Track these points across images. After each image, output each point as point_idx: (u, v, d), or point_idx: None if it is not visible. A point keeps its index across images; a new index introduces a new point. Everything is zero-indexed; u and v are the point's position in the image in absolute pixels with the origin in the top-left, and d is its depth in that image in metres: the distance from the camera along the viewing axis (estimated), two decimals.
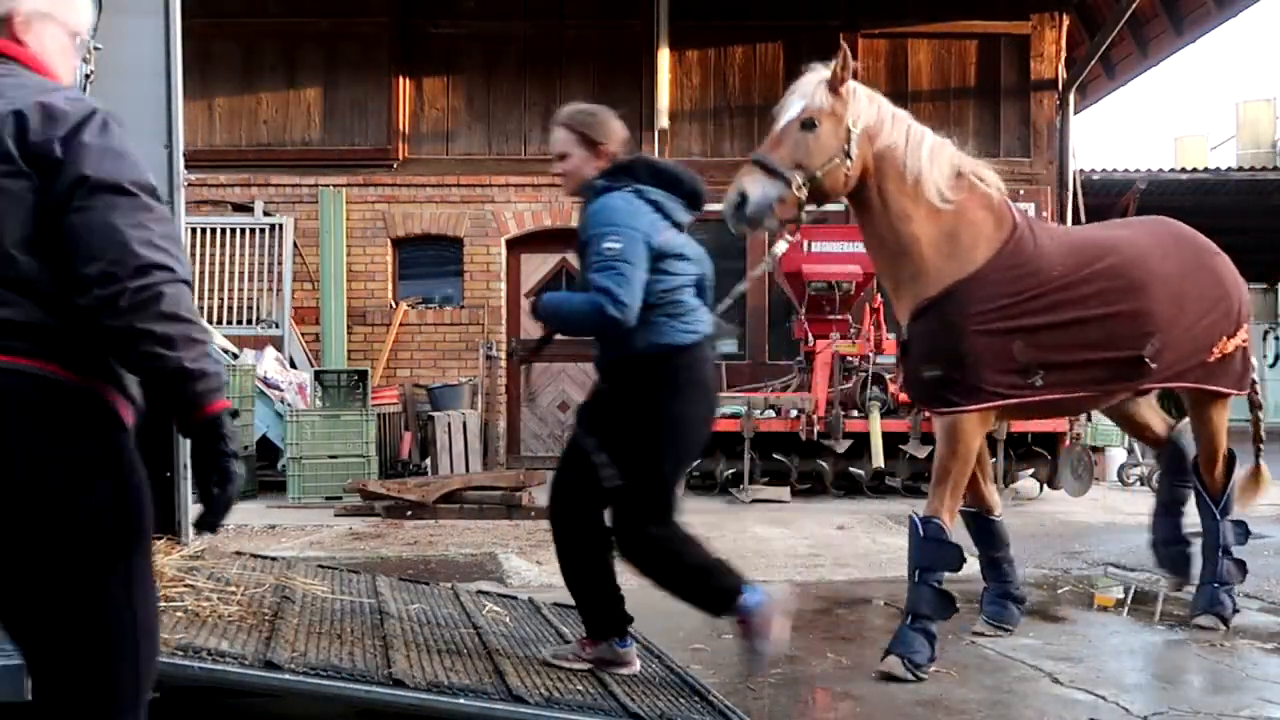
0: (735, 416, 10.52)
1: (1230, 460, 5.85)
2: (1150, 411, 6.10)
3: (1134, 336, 5.14)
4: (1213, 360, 5.46)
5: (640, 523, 3.95)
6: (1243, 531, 5.86)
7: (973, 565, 7.27)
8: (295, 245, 12.83)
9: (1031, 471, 10.99)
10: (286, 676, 3.07)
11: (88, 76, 2.92)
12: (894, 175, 4.86)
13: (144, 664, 2.20)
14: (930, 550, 4.88)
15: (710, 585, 4.00)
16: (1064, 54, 13.34)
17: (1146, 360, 5.13)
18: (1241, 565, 5.84)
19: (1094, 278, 5.08)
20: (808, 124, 4.74)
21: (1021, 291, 4.89)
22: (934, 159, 4.91)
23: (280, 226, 12.79)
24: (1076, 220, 13.24)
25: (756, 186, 4.64)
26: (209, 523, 2.23)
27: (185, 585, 3.66)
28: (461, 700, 3.24)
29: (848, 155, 4.75)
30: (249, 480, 10.69)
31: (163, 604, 3.40)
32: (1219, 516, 5.79)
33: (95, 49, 2.88)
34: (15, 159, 2.10)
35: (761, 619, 3.92)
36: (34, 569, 2.08)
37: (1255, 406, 6.10)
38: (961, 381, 4.82)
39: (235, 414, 2.21)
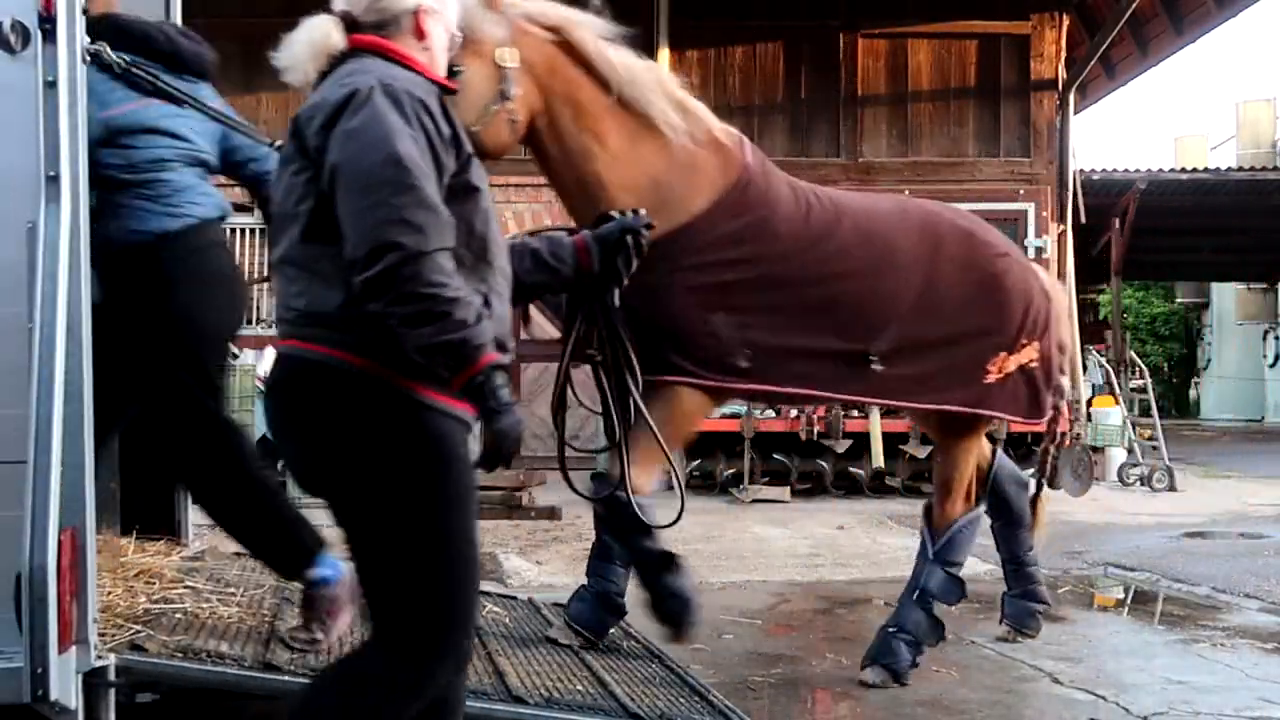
0: (735, 416, 10.52)
1: (973, 497, 4.89)
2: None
3: (862, 329, 4.29)
4: (990, 380, 4.55)
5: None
6: (956, 589, 4.77)
7: (974, 566, 7.31)
8: None
9: (1031, 471, 10.98)
10: (286, 678, 3.06)
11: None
12: (569, 109, 3.95)
13: (442, 612, 2.38)
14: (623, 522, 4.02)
15: None
16: (1064, 54, 13.34)
17: (872, 359, 4.29)
18: (938, 626, 4.72)
19: (826, 250, 4.24)
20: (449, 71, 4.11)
21: (741, 254, 4.07)
22: (650, 82, 4.03)
23: None
24: (1077, 222, 13.26)
25: None
26: (481, 465, 2.41)
27: (185, 587, 3.64)
28: None
29: (506, 96, 3.82)
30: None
31: (162, 605, 3.40)
32: (930, 556, 4.77)
33: (93, 51, 2.88)
34: (298, 157, 2.33)
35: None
36: (342, 521, 2.38)
37: (1050, 438, 5.34)
38: (678, 350, 4.01)
39: (504, 367, 2.30)
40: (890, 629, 4.66)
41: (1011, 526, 5.23)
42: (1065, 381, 5.17)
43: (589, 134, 3.99)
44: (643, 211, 3.05)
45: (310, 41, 2.47)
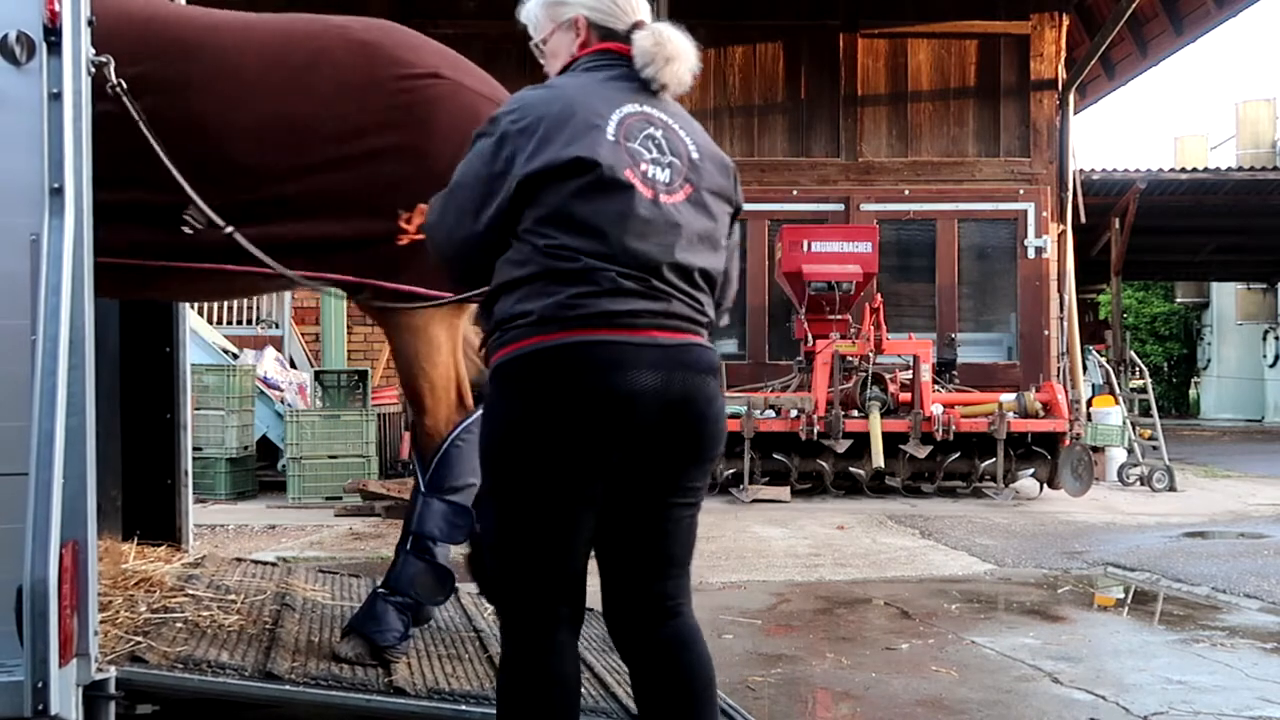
0: (735, 416, 10.52)
1: (467, 402, 3.73)
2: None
3: (198, 173, 3.22)
4: (404, 243, 3.34)
5: None
6: (463, 522, 3.65)
7: (974, 566, 7.32)
8: None
9: (1031, 471, 11.01)
10: (286, 687, 3.06)
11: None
12: None
13: None
14: None
15: None
16: (1064, 54, 13.35)
17: (190, 219, 3.23)
18: (445, 578, 3.70)
19: (132, 57, 3.13)
20: None
21: None
22: None
23: None
24: (1077, 222, 13.27)
25: None
26: None
27: (186, 595, 3.66)
28: (463, 707, 3.24)
29: None
30: (249, 480, 10.72)
31: (163, 615, 3.41)
32: (424, 489, 3.68)
33: (100, 62, 2.88)
34: (730, 201, 2.74)
35: None
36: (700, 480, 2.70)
37: None
38: None
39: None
40: (380, 590, 3.67)
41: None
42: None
43: None
44: None
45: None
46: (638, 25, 2.68)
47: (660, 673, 2.61)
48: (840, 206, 12.83)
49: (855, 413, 10.60)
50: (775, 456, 10.69)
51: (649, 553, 2.63)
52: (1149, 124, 57.11)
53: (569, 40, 2.72)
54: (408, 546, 3.65)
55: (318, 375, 11.33)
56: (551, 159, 2.50)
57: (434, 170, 3.23)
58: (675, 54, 2.62)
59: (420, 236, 3.10)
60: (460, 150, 2.90)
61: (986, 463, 10.67)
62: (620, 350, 2.49)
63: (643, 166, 2.56)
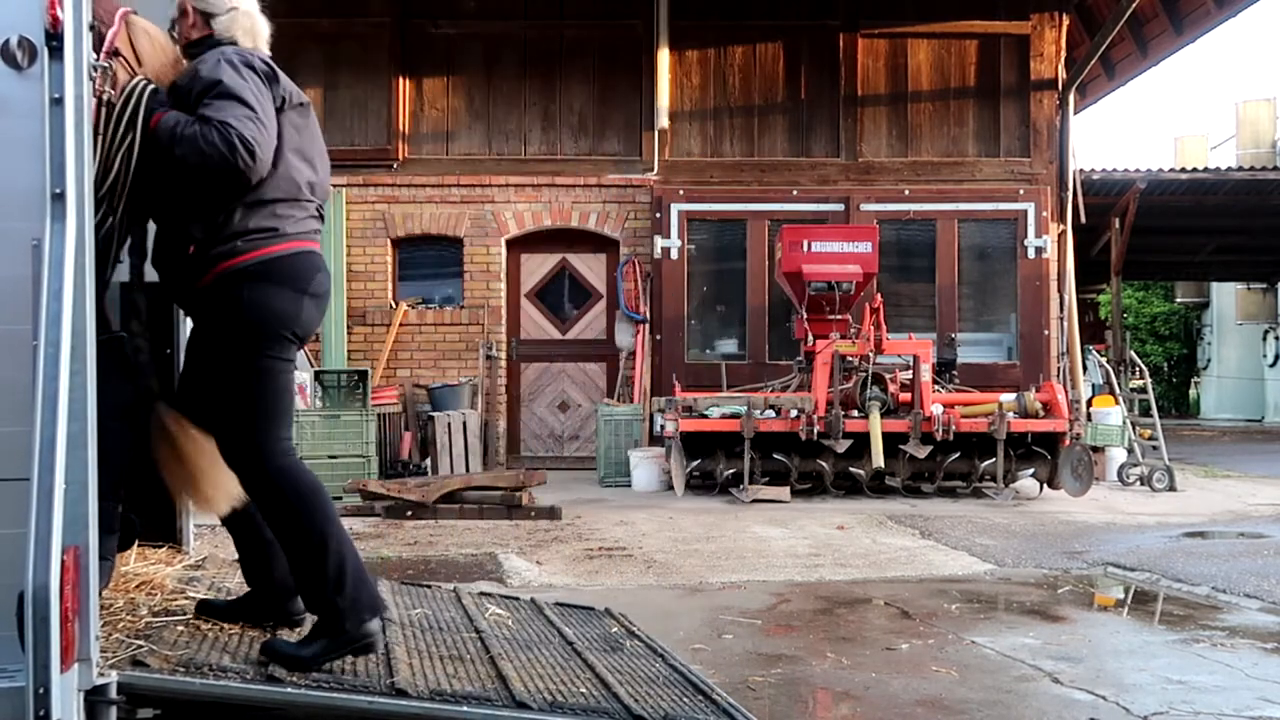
0: (735, 416, 10.53)
1: None
2: None
3: None
4: None
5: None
6: None
7: (974, 566, 7.33)
8: None
9: (1031, 471, 11.01)
10: (288, 690, 3.06)
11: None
12: None
13: None
14: None
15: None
16: (1064, 54, 13.35)
17: None
18: None
19: None
20: None
21: None
22: None
23: None
24: (1077, 222, 13.26)
25: None
26: None
27: (187, 597, 3.66)
28: (464, 708, 3.24)
29: None
30: None
31: (164, 618, 3.41)
32: None
33: (102, 68, 2.88)
34: None
35: None
36: None
37: None
38: None
39: None
40: None
41: None
42: None
43: None
44: None
45: None
46: (232, 9, 3.42)
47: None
48: (840, 206, 12.82)
49: (855, 413, 10.61)
50: (775, 456, 10.69)
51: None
52: (1149, 124, 57.09)
53: (185, 22, 3.46)
54: None
55: (317, 375, 11.33)
56: (297, 99, 3.40)
57: None
58: (248, 29, 3.41)
59: None
60: None
61: (986, 463, 10.67)
62: (319, 259, 3.44)
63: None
